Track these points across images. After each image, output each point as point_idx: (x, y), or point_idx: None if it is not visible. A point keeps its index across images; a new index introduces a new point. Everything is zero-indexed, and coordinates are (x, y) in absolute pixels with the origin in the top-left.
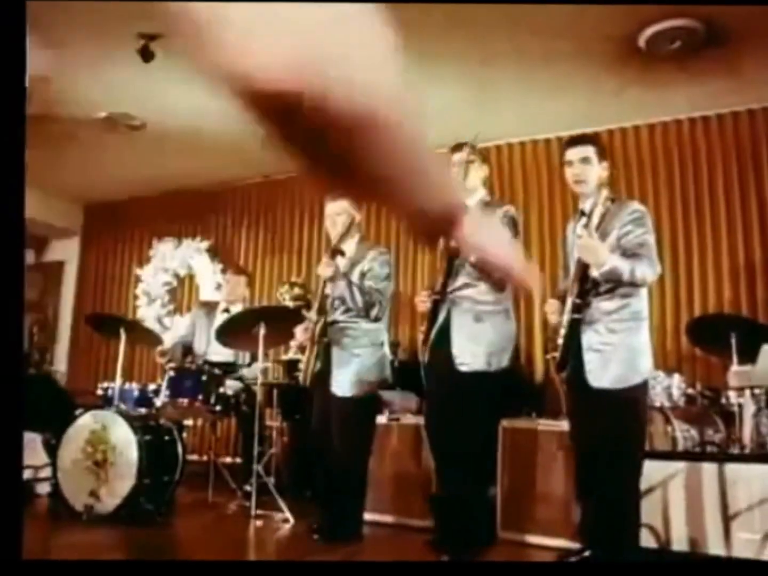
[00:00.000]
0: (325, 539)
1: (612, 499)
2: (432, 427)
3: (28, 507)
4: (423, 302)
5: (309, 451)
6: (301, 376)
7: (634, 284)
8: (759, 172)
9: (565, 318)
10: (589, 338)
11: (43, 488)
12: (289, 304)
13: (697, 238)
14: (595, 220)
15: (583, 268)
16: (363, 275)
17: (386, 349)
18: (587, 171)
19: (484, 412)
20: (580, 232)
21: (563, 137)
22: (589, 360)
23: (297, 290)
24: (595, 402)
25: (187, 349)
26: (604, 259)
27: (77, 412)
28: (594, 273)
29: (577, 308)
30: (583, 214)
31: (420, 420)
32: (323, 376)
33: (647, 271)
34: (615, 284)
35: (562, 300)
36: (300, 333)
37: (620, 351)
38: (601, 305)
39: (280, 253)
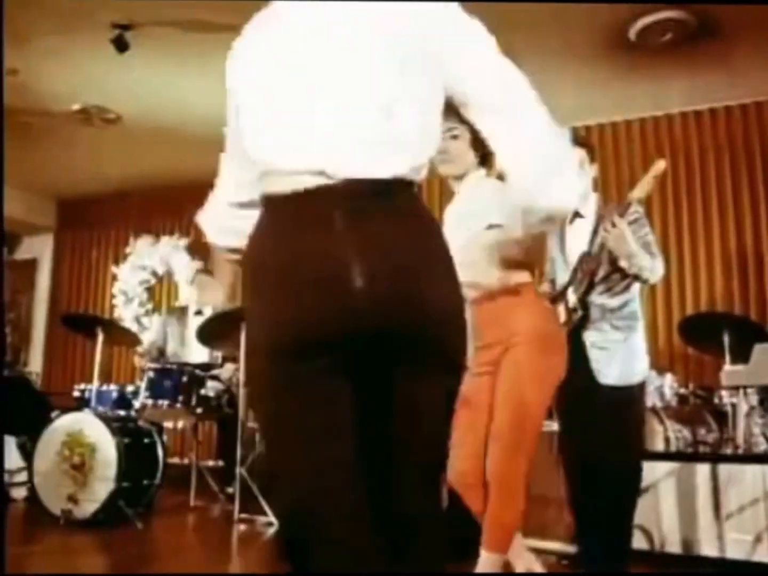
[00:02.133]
0: None
1: (616, 500)
2: None
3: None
4: None
5: None
6: None
7: (647, 281)
8: (751, 167)
9: (562, 318)
10: (592, 336)
11: (19, 493)
12: None
13: (688, 235)
14: (590, 221)
15: (593, 264)
16: None
17: None
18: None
19: None
20: (613, 223)
21: None
22: (596, 358)
23: None
24: (602, 399)
25: (160, 352)
26: (636, 251)
27: (53, 414)
28: (623, 264)
29: (584, 305)
30: (577, 215)
31: None
32: None
33: (660, 269)
34: (623, 280)
35: (552, 300)
36: None
37: (622, 349)
38: (605, 303)
39: None
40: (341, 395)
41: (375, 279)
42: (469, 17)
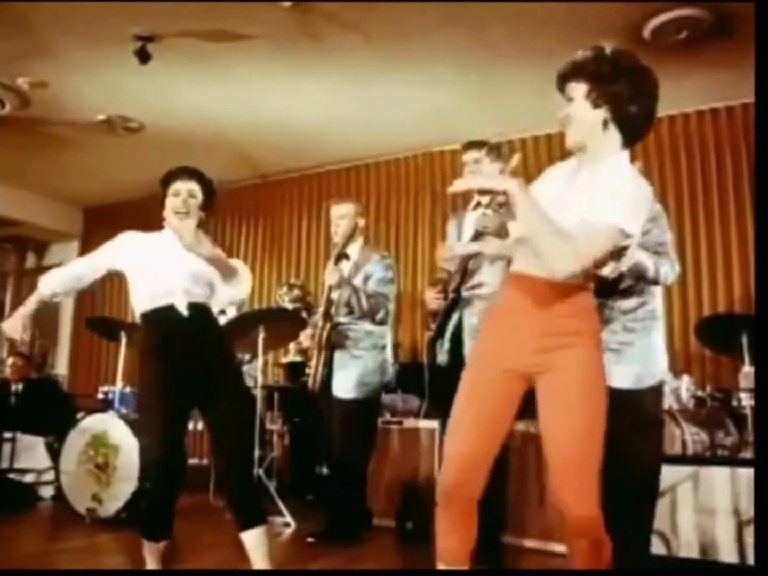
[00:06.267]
0: (330, 541)
1: (632, 504)
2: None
3: (31, 511)
4: (436, 299)
5: (310, 454)
6: (309, 381)
7: (656, 282)
8: None
9: None
10: (605, 338)
11: (47, 492)
12: (288, 305)
13: (705, 234)
14: None
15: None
16: (367, 279)
17: (389, 352)
18: None
19: None
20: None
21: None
22: (607, 360)
23: (296, 292)
24: (611, 402)
25: None
26: (633, 251)
27: (79, 415)
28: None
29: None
30: None
31: (421, 423)
32: (328, 379)
33: (669, 269)
34: (636, 281)
35: None
36: (306, 339)
37: (637, 350)
38: (619, 304)
39: (278, 254)
40: None
41: None
42: None
